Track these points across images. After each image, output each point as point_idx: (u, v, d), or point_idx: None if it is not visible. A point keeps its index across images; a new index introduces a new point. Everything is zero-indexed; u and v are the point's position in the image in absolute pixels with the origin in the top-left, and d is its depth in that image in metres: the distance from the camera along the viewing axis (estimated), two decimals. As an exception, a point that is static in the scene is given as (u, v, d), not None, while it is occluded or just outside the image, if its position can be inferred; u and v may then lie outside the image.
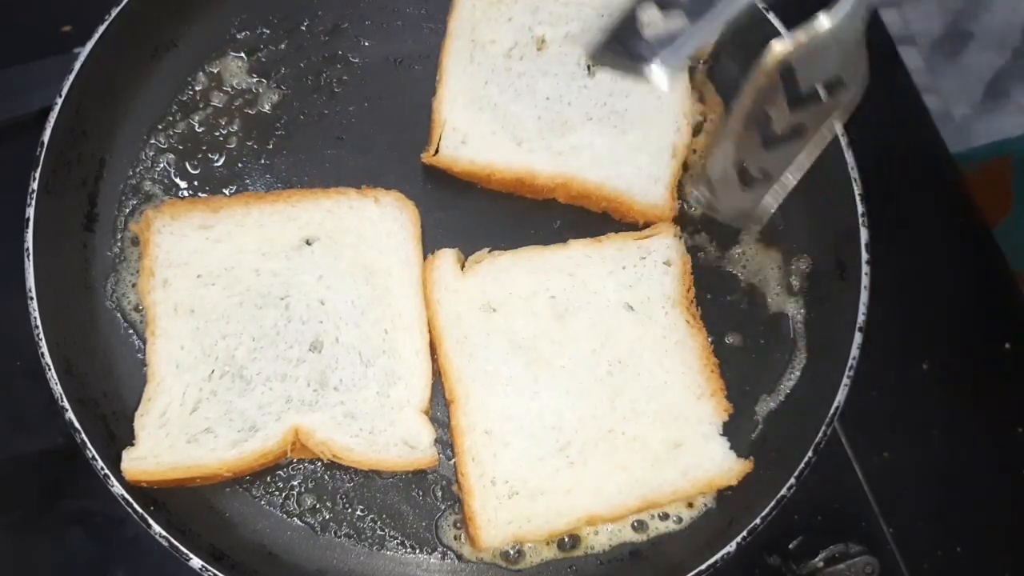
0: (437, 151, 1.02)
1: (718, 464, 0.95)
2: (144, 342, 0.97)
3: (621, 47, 0.82)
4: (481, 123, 1.04)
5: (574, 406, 0.96)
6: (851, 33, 0.81)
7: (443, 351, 0.97)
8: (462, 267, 1.00)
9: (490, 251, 1.01)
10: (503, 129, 1.04)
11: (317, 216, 0.99)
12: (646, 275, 1.00)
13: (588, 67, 1.06)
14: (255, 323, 0.95)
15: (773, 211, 0.87)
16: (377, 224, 1.00)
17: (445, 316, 0.98)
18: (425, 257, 1.01)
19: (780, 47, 0.81)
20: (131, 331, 0.99)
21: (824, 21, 0.81)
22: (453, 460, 0.97)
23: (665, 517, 0.97)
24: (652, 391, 0.97)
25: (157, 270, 0.96)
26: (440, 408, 0.99)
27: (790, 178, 0.87)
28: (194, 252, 0.97)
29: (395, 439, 0.94)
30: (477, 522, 0.92)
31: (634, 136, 1.04)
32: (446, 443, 0.98)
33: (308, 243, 0.99)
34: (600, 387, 0.96)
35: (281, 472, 0.97)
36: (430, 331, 0.99)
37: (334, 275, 0.98)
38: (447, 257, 1.00)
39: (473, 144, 1.03)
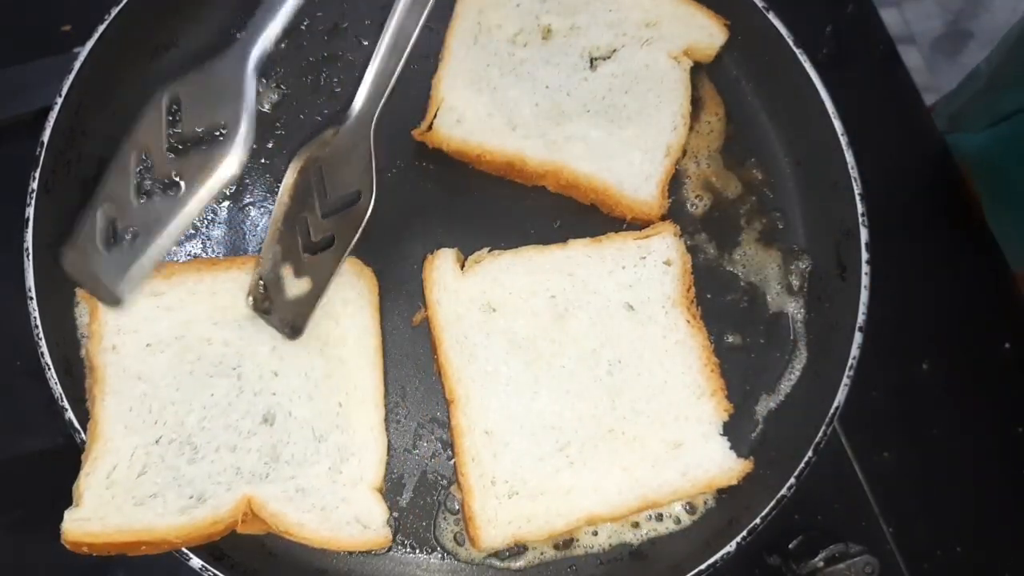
0: (431, 128, 1.02)
1: (718, 464, 0.95)
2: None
3: (84, 260, 0.77)
4: (478, 105, 1.03)
5: (574, 406, 0.96)
6: (362, 145, 0.88)
7: (443, 351, 0.97)
8: (462, 267, 1.00)
9: (490, 251, 1.00)
10: (499, 112, 1.04)
11: None
12: (646, 275, 1.00)
13: (591, 60, 1.06)
14: (206, 392, 0.92)
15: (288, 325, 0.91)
16: (332, 292, 0.95)
17: (445, 316, 0.98)
18: (425, 257, 1.00)
19: (304, 153, 0.87)
20: (131, 331, 0.99)
21: (334, 132, 0.88)
22: (453, 460, 0.97)
23: (665, 517, 0.97)
24: (652, 391, 0.97)
25: (105, 336, 0.92)
26: (440, 408, 0.99)
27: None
28: (144, 320, 0.93)
29: (348, 517, 0.91)
30: (477, 522, 0.92)
31: (630, 132, 1.04)
32: (446, 443, 0.98)
33: None
34: (600, 387, 0.96)
35: (281, 472, 0.97)
36: (430, 331, 0.98)
37: (287, 346, 0.94)
38: (447, 257, 0.99)
39: (468, 124, 1.03)
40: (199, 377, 0.93)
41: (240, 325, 0.95)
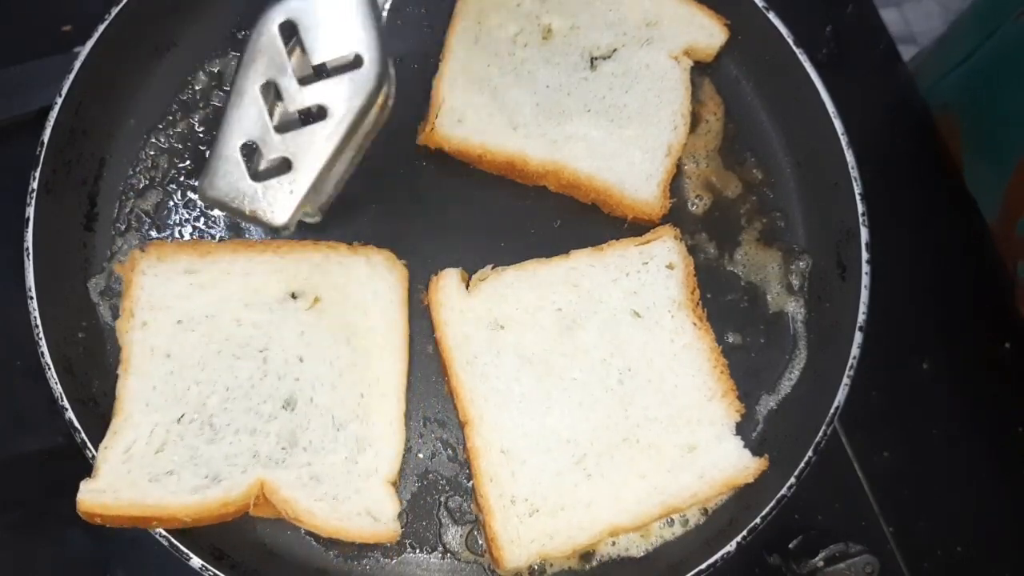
0: (432, 128, 1.02)
1: (734, 464, 0.95)
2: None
3: (232, 184, 0.77)
4: (479, 105, 1.03)
5: (587, 418, 0.95)
6: (347, 6, 0.76)
7: (453, 373, 0.96)
8: (467, 286, 0.99)
9: (493, 267, 1.00)
10: (500, 112, 1.04)
11: (305, 269, 0.96)
12: (649, 280, 1.00)
13: (592, 60, 1.06)
14: (231, 373, 0.93)
15: (316, 211, 0.81)
16: (365, 283, 0.97)
17: (453, 337, 0.97)
18: (428, 270, 1.00)
19: (273, 10, 0.74)
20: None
21: None
22: (453, 460, 0.97)
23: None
24: (663, 396, 0.96)
25: (137, 312, 0.93)
26: (441, 408, 0.99)
27: (314, 171, 0.76)
28: (177, 297, 0.94)
29: (359, 508, 0.91)
30: (500, 543, 0.91)
31: (630, 131, 1.04)
32: (446, 443, 0.99)
33: (293, 296, 0.96)
34: (612, 397, 0.96)
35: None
36: (439, 352, 0.97)
37: (315, 332, 0.95)
38: (451, 277, 0.98)
39: (469, 124, 1.03)
40: (225, 358, 0.94)
41: (271, 308, 0.96)
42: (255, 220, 0.79)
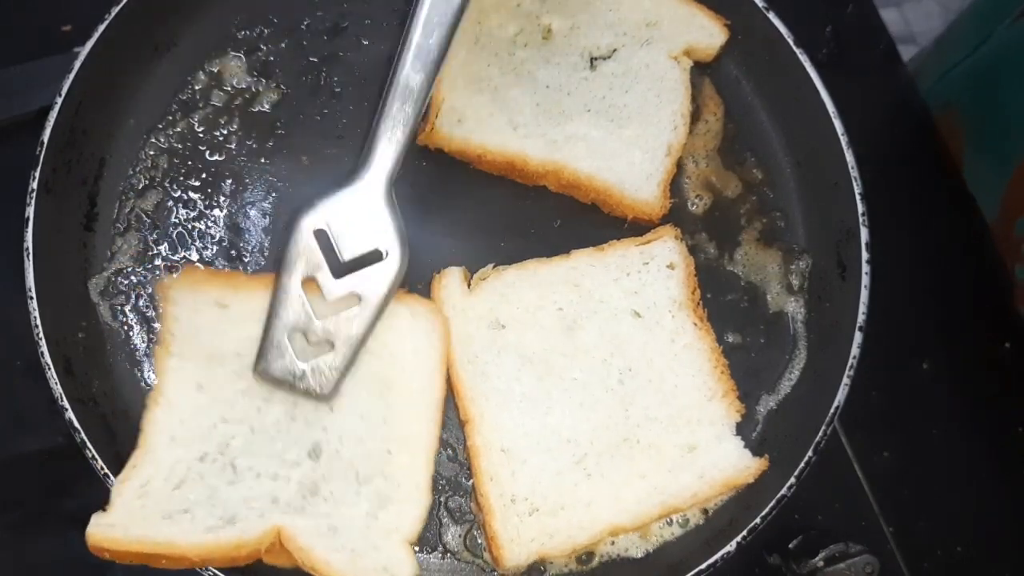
0: (432, 129, 1.02)
1: (734, 464, 0.95)
2: (147, 342, 0.98)
3: (283, 367, 0.90)
4: (479, 105, 1.03)
5: (588, 418, 0.95)
6: (376, 204, 0.90)
7: (454, 371, 0.96)
8: (468, 284, 0.99)
9: (494, 267, 1.00)
10: (500, 112, 1.04)
11: None
12: (650, 280, 1.00)
13: (592, 60, 1.06)
14: (258, 415, 0.91)
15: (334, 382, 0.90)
16: (405, 336, 0.94)
17: (455, 336, 0.97)
18: (431, 269, 0.99)
19: (307, 218, 0.90)
20: (130, 330, 0.99)
21: (347, 191, 0.91)
22: (453, 460, 0.97)
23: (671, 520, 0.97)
24: (664, 396, 0.96)
25: (173, 343, 0.92)
26: (445, 409, 0.99)
27: (352, 349, 0.90)
28: (207, 330, 0.92)
29: (376, 564, 0.88)
30: (499, 542, 0.91)
31: (630, 131, 1.04)
32: (446, 442, 0.99)
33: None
34: (612, 397, 0.96)
35: (281, 472, 0.97)
36: None
37: (349, 381, 0.92)
38: (453, 276, 0.98)
39: (469, 124, 1.03)
40: (254, 399, 0.91)
41: None
42: (304, 394, 0.91)
